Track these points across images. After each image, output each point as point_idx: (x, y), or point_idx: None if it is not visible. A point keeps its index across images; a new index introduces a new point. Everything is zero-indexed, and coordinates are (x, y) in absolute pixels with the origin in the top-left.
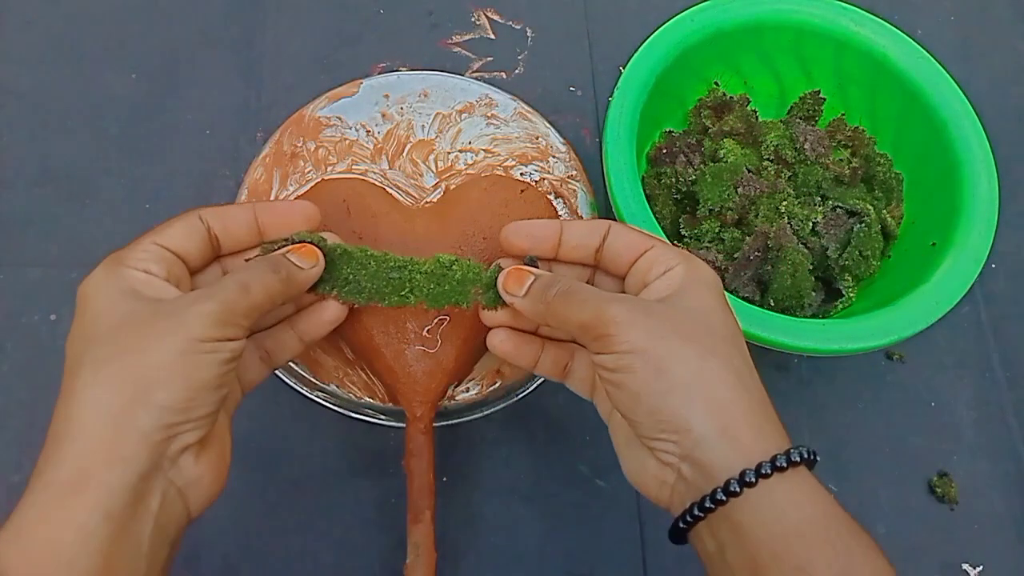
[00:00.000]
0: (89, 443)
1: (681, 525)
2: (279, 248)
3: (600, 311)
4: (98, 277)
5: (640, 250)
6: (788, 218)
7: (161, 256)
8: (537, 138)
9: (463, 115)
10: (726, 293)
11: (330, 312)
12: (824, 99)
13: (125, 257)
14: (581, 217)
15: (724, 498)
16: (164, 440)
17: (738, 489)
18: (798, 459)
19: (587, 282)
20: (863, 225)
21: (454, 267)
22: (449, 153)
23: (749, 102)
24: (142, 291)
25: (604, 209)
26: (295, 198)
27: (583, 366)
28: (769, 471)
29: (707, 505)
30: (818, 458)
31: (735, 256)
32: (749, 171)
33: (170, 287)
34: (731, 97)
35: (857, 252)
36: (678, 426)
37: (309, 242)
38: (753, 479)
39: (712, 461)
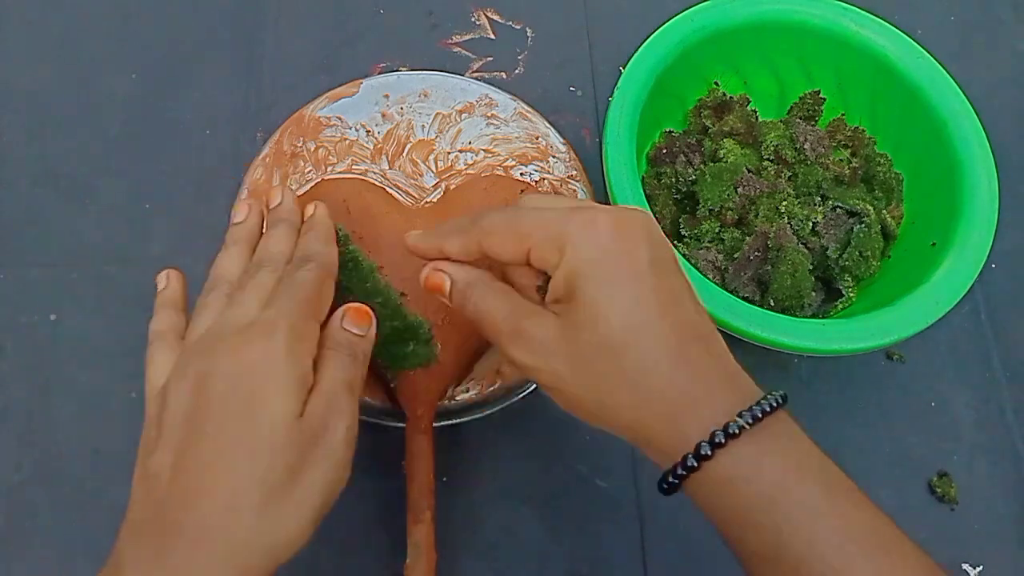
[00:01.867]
0: (244, 563)
1: (664, 486)
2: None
3: (505, 350)
4: (280, 350)
5: (522, 258)
6: (788, 218)
7: (317, 336)
8: (537, 138)
9: (463, 115)
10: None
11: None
12: (824, 99)
13: (303, 335)
14: None
15: (685, 472)
16: (305, 538)
17: (696, 464)
18: (736, 431)
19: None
20: (863, 225)
21: (411, 340)
22: (449, 153)
23: (749, 102)
24: (305, 390)
25: None
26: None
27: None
28: (723, 439)
29: (678, 472)
30: (782, 402)
31: (735, 256)
32: (749, 171)
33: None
34: (731, 97)
35: (857, 252)
36: (622, 430)
37: (366, 304)
38: (708, 451)
39: (665, 445)
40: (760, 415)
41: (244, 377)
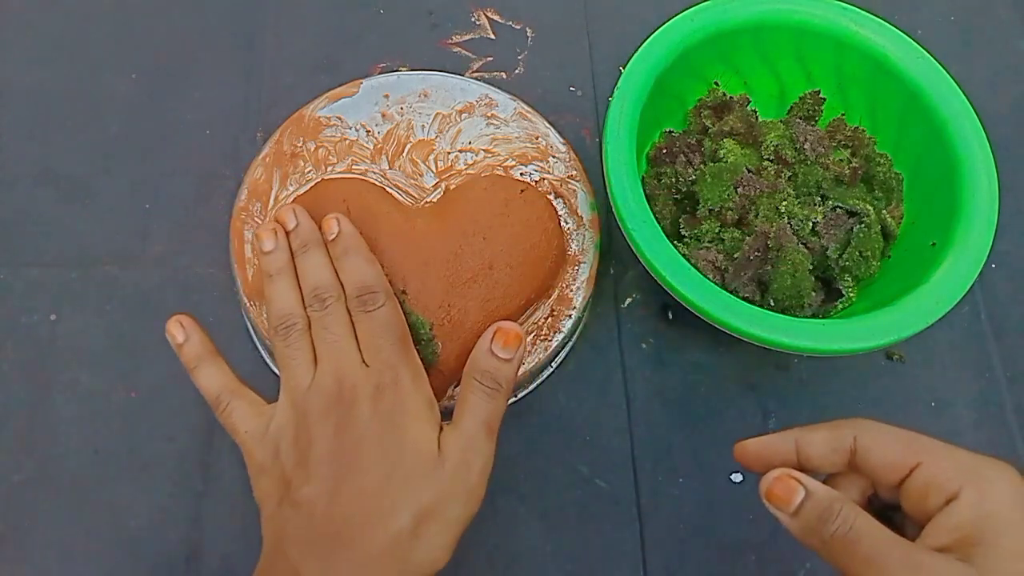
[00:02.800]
0: None
1: None
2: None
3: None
4: (424, 395)
5: (904, 468)
6: (788, 218)
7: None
8: (537, 138)
9: (463, 115)
10: None
11: None
12: (824, 99)
13: (418, 371)
14: (581, 217)
15: None
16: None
17: None
18: None
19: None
20: (863, 225)
21: (413, 338)
22: (449, 153)
23: (749, 102)
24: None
25: (604, 209)
26: (295, 198)
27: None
28: None
29: None
30: None
31: (735, 256)
32: (749, 171)
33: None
34: (731, 97)
35: (857, 252)
36: None
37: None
38: None
39: None
40: None
41: (386, 420)
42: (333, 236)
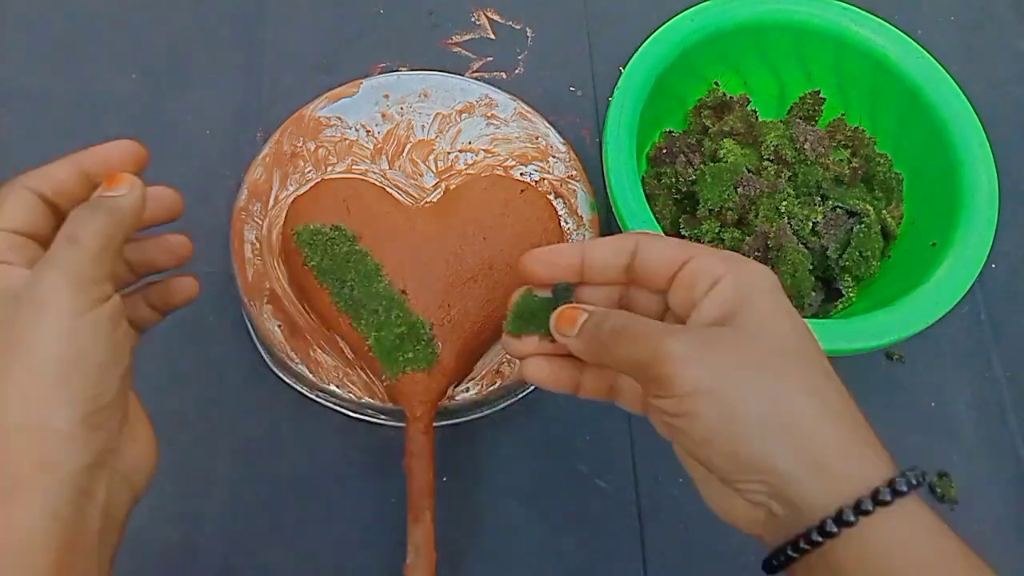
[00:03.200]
0: (14, 455)
1: (774, 563)
2: None
3: (655, 348)
4: None
5: (676, 263)
6: (788, 218)
7: (11, 243)
8: (537, 138)
9: (463, 115)
10: None
11: (187, 289)
12: (824, 99)
13: None
14: (581, 217)
15: (820, 539)
16: (89, 434)
17: (835, 529)
18: (904, 488)
19: (619, 302)
20: (863, 225)
21: (412, 344)
22: (449, 153)
23: (749, 102)
24: (5, 286)
25: (604, 209)
26: (294, 198)
27: (631, 381)
28: (871, 507)
29: (801, 546)
30: (927, 479)
31: None
32: (749, 171)
33: (11, 273)
34: (731, 97)
35: (857, 252)
36: (760, 467)
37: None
38: (852, 518)
39: (805, 499)
40: (916, 482)
41: None
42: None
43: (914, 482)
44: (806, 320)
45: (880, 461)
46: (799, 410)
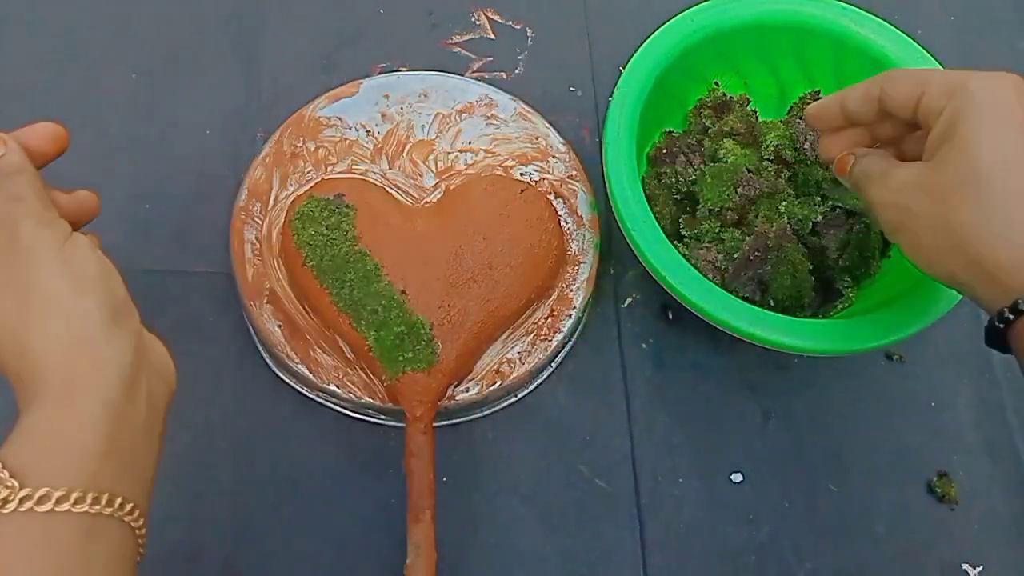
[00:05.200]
0: (68, 361)
1: (998, 325)
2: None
3: (867, 194)
4: None
5: (915, 96)
6: (788, 218)
7: None
8: (537, 138)
9: (463, 115)
10: None
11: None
12: None
13: None
14: (581, 217)
15: (1012, 316)
16: (123, 332)
17: None
18: None
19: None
20: (863, 225)
21: (412, 344)
22: (449, 153)
23: (749, 102)
24: None
25: (604, 209)
26: (294, 199)
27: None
28: None
29: (996, 324)
30: None
31: (735, 256)
32: (749, 171)
33: None
34: (731, 97)
35: (857, 252)
36: (958, 264)
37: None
38: None
39: (1014, 275)
40: None
41: None
42: None
43: None
44: (808, 318)
45: None
46: (1004, 209)
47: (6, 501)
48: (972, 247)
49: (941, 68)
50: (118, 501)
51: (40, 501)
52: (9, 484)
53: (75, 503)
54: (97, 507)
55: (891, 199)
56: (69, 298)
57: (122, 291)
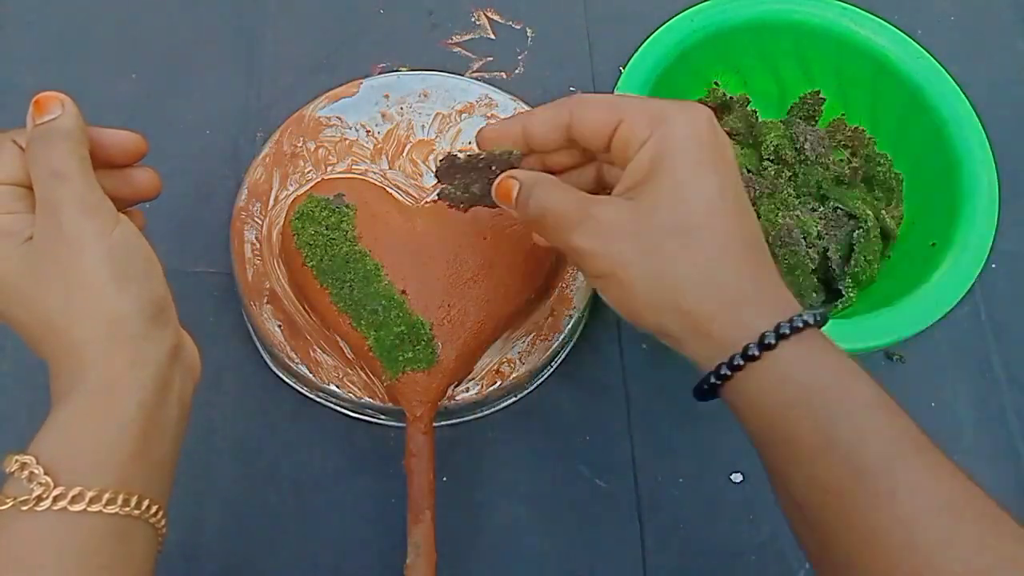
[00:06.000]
0: (108, 359)
1: (703, 387)
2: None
3: (567, 242)
4: None
5: (609, 127)
6: (788, 218)
7: (13, 194)
8: None
9: (463, 115)
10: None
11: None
12: (824, 99)
13: None
14: None
15: (741, 363)
16: (162, 331)
17: (741, 363)
18: (801, 325)
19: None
20: (862, 231)
21: (412, 344)
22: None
23: (749, 102)
24: (18, 231)
25: None
26: (294, 199)
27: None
28: (787, 331)
29: (722, 373)
30: (827, 318)
31: None
32: (749, 171)
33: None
34: (731, 97)
35: (863, 257)
36: (669, 320)
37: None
38: (773, 341)
39: (720, 336)
40: (819, 319)
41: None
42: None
43: (810, 320)
44: None
45: (787, 298)
46: (713, 264)
47: (40, 499)
48: (686, 301)
49: (632, 95)
50: (145, 503)
51: (74, 500)
52: (43, 481)
53: (107, 504)
54: (127, 509)
55: (598, 248)
56: (112, 296)
57: (164, 288)
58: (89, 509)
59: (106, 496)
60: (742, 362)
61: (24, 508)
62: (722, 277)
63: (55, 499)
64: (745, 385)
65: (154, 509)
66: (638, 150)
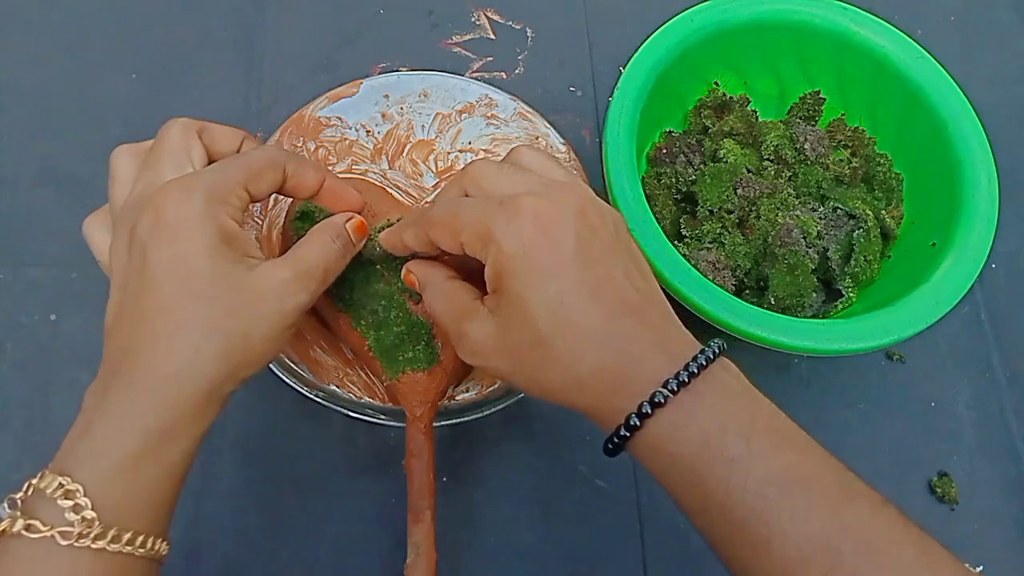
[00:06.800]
0: (182, 396)
1: (610, 446)
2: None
3: (466, 354)
4: (197, 207)
5: (457, 243)
6: (788, 218)
7: (246, 204)
8: (537, 138)
9: (463, 115)
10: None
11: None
12: (824, 99)
13: (225, 197)
14: None
15: (620, 440)
16: (224, 400)
17: (617, 441)
18: (661, 400)
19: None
20: (862, 231)
21: (412, 344)
22: (449, 153)
23: (749, 102)
24: (236, 246)
25: None
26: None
27: None
28: (648, 410)
29: (609, 446)
30: (717, 354)
31: (736, 259)
32: (749, 171)
33: (253, 244)
34: (731, 97)
35: (863, 258)
36: (568, 406)
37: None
38: (638, 422)
39: (601, 419)
40: (687, 379)
41: (165, 231)
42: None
43: (685, 379)
44: (808, 318)
45: (664, 362)
46: (574, 366)
47: (81, 536)
48: (558, 398)
49: (488, 173)
50: (160, 542)
51: (113, 540)
52: (89, 517)
53: (140, 546)
54: (154, 550)
55: (478, 361)
56: (244, 367)
57: (261, 364)
58: (123, 550)
59: (140, 539)
60: (619, 439)
61: (63, 543)
62: (585, 376)
63: (95, 537)
64: (637, 451)
65: (165, 546)
66: (483, 262)
